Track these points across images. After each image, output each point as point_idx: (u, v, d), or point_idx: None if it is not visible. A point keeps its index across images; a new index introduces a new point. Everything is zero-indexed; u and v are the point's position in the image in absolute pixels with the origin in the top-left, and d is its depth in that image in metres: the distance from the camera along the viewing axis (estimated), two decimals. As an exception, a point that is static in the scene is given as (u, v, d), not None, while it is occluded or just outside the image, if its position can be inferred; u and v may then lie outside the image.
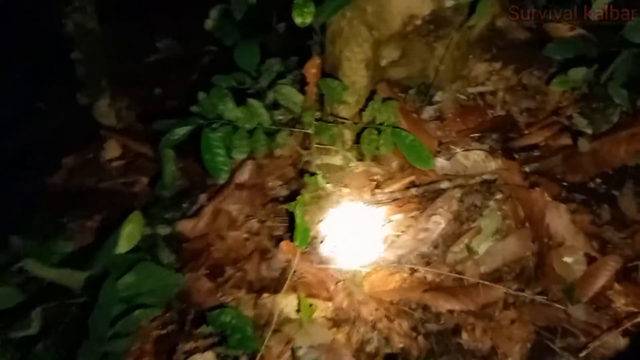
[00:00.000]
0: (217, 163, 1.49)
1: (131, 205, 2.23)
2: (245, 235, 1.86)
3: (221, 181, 1.51)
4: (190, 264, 1.85)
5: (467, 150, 1.73)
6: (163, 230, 1.95)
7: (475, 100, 1.85)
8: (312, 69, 1.59)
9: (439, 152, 1.73)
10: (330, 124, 1.59)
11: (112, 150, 2.47)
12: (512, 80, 1.85)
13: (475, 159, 1.70)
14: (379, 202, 1.72)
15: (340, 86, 1.57)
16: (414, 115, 1.79)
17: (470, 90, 1.86)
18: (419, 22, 1.67)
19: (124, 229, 1.66)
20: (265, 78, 1.62)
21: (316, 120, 1.61)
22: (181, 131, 1.50)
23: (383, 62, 1.82)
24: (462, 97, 1.86)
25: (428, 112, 1.84)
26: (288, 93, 1.58)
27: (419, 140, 1.46)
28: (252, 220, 1.87)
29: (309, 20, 1.43)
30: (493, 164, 1.67)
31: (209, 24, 1.41)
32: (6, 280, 1.28)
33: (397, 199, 1.72)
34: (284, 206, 1.61)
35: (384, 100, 1.58)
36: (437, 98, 1.84)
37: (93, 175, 2.41)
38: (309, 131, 1.59)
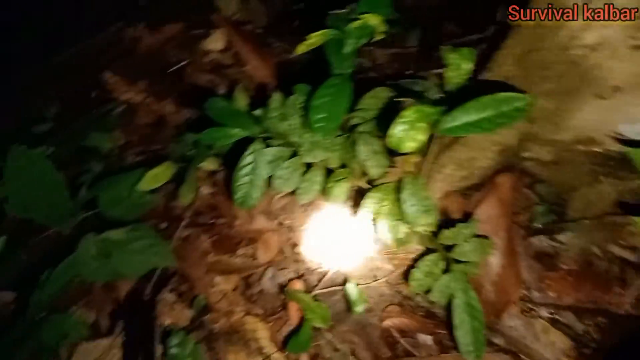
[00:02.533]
0: (250, 191, 1.21)
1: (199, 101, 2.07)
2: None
3: (243, 209, 1.24)
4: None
5: (551, 322, 1.29)
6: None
7: (611, 265, 1.33)
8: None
9: (514, 303, 1.31)
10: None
11: (215, 41, 2.22)
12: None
13: (551, 341, 1.27)
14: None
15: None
16: (516, 238, 1.32)
17: (615, 250, 1.32)
18: (597, 149, 1.12)
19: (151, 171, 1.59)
20: (363, 111, 1.21)
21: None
22: (229, 138, 1.20)
23: (526, 154, 1.32)
24: (597, 252, 1.33)
25: (541, 241, 1.36)
26: (377, 148, 1.18)
27: (481, 320, 1.06)
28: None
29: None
30: (567, 365, 1.24)
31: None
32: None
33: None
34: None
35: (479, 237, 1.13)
36: (562, 237, 1.33)
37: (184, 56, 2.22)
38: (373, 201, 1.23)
